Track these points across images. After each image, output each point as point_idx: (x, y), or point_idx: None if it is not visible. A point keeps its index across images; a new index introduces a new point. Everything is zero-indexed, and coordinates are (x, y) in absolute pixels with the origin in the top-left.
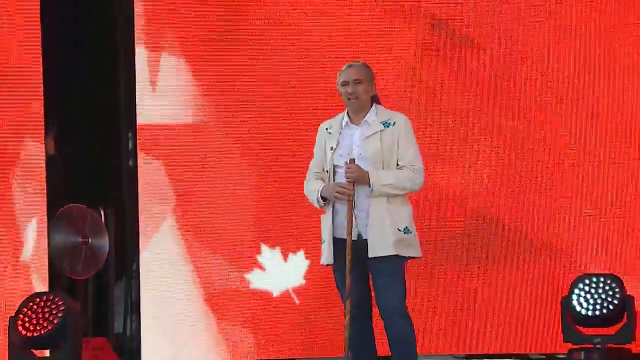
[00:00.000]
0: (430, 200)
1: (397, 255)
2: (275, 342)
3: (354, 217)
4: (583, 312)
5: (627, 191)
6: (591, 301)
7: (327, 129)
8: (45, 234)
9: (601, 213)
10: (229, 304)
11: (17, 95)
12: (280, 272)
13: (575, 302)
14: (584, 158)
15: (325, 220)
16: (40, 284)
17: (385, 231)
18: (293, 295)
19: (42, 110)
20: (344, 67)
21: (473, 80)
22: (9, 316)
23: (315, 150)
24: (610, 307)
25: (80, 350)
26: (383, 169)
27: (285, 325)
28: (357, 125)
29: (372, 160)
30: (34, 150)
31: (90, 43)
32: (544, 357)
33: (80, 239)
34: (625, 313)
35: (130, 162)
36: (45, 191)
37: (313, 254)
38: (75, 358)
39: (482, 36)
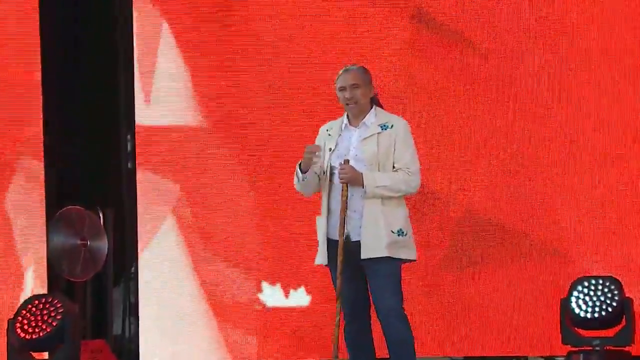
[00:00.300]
0: (427, 201)
1: (391, 257)
2: (276, 343)
3: (346, 218)
4: (582, 314)
5: (626, 193)
6: (590, 303)
7: (327, 130)
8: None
9: (600, 215)
10: (229, 304)
11: (16, 96)
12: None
13: (574, 304)
14: (583, 159)
15: (320, 221)
16: (38, 286)
17: (379, 233)
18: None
19: (41, 112)
20: (341, 71)
21: (471, 81)
22: (7, 319)
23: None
24: (609, 309)
25: (79, 352)
26: (379, 171)
27: (287, 326)
28: (356, 127)
29: (368, 162)
30: (33, 152)
31: (90, 45)
32: (543, 359)
33: (79, 241)
34: (624, 315)
35: (129, 164)
36: (44, 193)
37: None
38: None
39: (479, 36)
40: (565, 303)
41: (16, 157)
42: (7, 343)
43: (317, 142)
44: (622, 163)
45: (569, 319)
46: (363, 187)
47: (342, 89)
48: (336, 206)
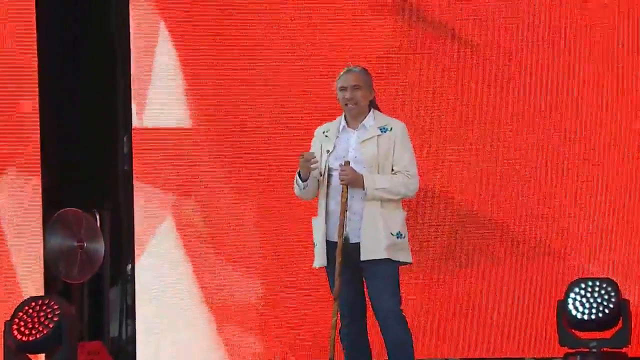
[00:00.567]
0: (424, 202)
1: (390, 259)
2: (275, 344)
3: (345, 220)
4: (579, 315)
5: (624, 195)
6: (587, 305)
7: (324, 132)
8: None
9: (598, 216)
10: (227, 306)
11: (13, 97)
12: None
13: (571, 306)
14: (580, 159)
15: (317, 223)
16: (35, 289)
17: (379, 235)
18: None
19: (38, 114)
20: (342, 72)
21: (468, 80)
22: (4, 321)
23: None
24: (606, 311)
25: (76, 354)
26: (378, 173)
27: (285, 328)
28: (354, 129)
29: (368, 164)
30: (30, 153)
31: (87, 46)
32: None
33: (76, 243)
34: (621, 317)
35: (126, 166)
36: (41, 195)
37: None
38: None
39: (477, 35)
40: (562, 305)
41: (13, 159)
42: (4, 345)
43: (313, 144)
44: (621, 164)
45: (565, 321)
46: (363, 189)
47: (343, 89)
48: (335, 207)
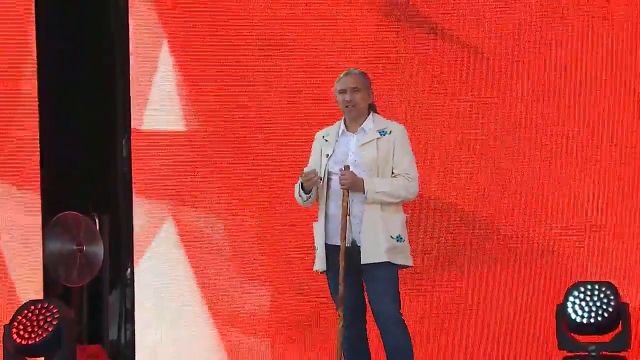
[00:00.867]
0: (422, 206)
1: (390, 263)
2: (277, 348)
3: (348, 224)
4: (578, 319)
5: (622, 197)
6: (586, 309)
7: (323, 136)
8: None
9: (596, 220)
10: (228, 309)
11: (12, 99)
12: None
13: (570, 310)
14: (579, 163)
15: (318, 227)
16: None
17: (379, 238)
18: None
19: (37, 117)
20: (342, 74)
21: (465, 83)
22: (3, 324)
23: (311, 158)
24: (605, 314)
25: (75, 357)
26: (378, 176)
27: (287, 331)
28: (354, 132)
29: (368, 167)
30: (29, 157)
31: (86, 49)
32: None
33: (75, 247)
34: (620, 321)
35: (125, 169)
36: (40, 198)
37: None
38: None
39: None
40: (562, 308)
41: (12, 162)
42: (3, 348)
43: (313, 148)
44: (621, 167)
45: (565, 324)
46: (364, 193)
47: (343, 91)
48: (335, 211)
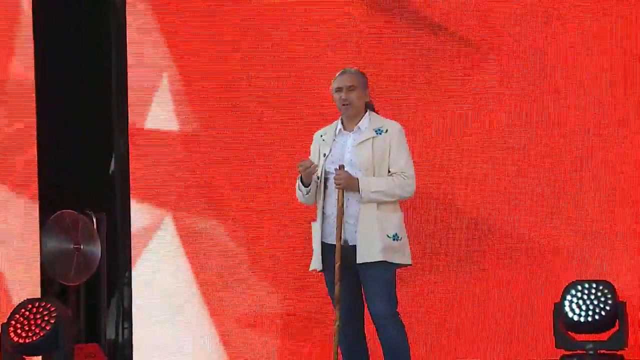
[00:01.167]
0: (421, 205)
1: (386, 262)
2: (276, 348)
3: (343, 223)
4: (575, 318)
5: (620, 197)
6: (583, 307)
7: (321, 136)
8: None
9: (594, 218)
10: (227, 309)
11: (9, 99)
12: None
13: (567, 308)
14: (576, 163)
15: (315, 227)
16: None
17: (374, 237)
18: None
19: (35, 116)
20: (338, 73)
21: (464, 82)
22: (1, 323)
23: (310, 158)
24: (603, 313)
25: (73, 356)
26: (374, 175)
27: (286, 331)
28: (350, 131)
29: (363, 166)
30: (26, 156)
31: (83, 48)
32: None
33: (72, 246)
34: (618, 319)
35: (123, 167)
36: (37, 197)
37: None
38: None
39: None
40: (559, 307)
41: (9, 161)
42: (1, 347)
43: (312, 148)
44: (617, 166)
45: (562, 323)
46: (359, 192)
47: (339, 90)
48: (331, 211)
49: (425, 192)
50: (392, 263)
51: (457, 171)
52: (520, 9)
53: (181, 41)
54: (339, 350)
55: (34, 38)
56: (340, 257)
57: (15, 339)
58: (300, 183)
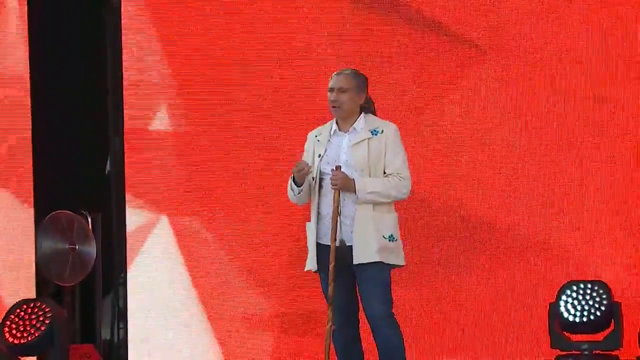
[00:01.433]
0: (419, 204)
1: (381, 262)
2: (271, 349)
3: (338, 224)
4: (570, 318)
5: (617, 198)
6: (579, 308)
7: (316, 136)
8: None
9: (589, 219)
10: (223, 309)
11: (5, 100)
12: None
13: (562, 309)
14: (573, 164)
15: (310, 227)
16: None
17: (370, 238)
18: None
19: (30, 116)
20: (335, 73)
21: (462, 82)
22: None
23: (304, 158)
24: (598, 313)
25: (68, 357)
26: (370, 176)
27: (282, 332)
28: (346, 132)
29: (359, 167)
30: (21, 156)
31: (78, 48)
32: None
33: (67, 246)
34: (613, 320)
35: (118, 168)
36: (32, 197)
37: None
38: None
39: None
40: (554, 307)
41: (4, 161)
42: None
43: (306, 148)
44: (616, 167)
45: (557, 323)
46: (355, 193)
47: (331, 90)
48: (326, 211)
49: (421, 192)
50: (387, 264)
51: (454, 171)
52: (521, 7)
53: (178, 41)
54: (330, 351)
55: (29, 35)
56: (335, 258)
57: (10, 339)
58: (292, 182)
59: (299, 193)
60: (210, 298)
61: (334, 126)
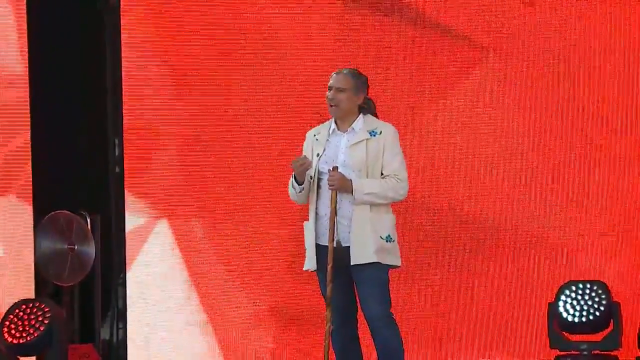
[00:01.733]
0: (418, 205)
1: (379, 263)
2: (270, 349)
3: (336, 224)
4: (569, 318)
5: (615, 197)
6: (578, 308)
7: (314, 135)
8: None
9: (588, 219)
10: (221, 310)
11: (4, 100)
12: None
13: (561, 309)
14: (572, 164)
15: (308, 227)
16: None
17: (368, 239)
18: None
19: (29, 117)
20: (335, 72)
21: (461, 81)
22: None
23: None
24: (597, 313)
25: (67, 357)
26: (367, 177)
27: (284, 332)
28: (344, 132)
29: (357, 168)
30: (21, 156)
31: (78, 49)
32: None
33: (66, 246)
34: (612, 320)
35: (117, 169)
36: (31, 197)
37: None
38: None
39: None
40: (553, 307)
41: (3, 161)
42: None
43: (304, 147)
44: (615, 167)
45: (556, 323)
46: (352, 194)
47: (329, 88)
48: (324, 211)
49: (420, 192)
50: (385, 264)
51: (453, 172)
52: (522, 7)
53: (177, 41)
54: (330, 351)
55: (28, 37)
56: (333, 258)
57: (10, 339)
58: (293, 181)
59: (300, 192)
60: (209, 298)
61: (333, 126)
